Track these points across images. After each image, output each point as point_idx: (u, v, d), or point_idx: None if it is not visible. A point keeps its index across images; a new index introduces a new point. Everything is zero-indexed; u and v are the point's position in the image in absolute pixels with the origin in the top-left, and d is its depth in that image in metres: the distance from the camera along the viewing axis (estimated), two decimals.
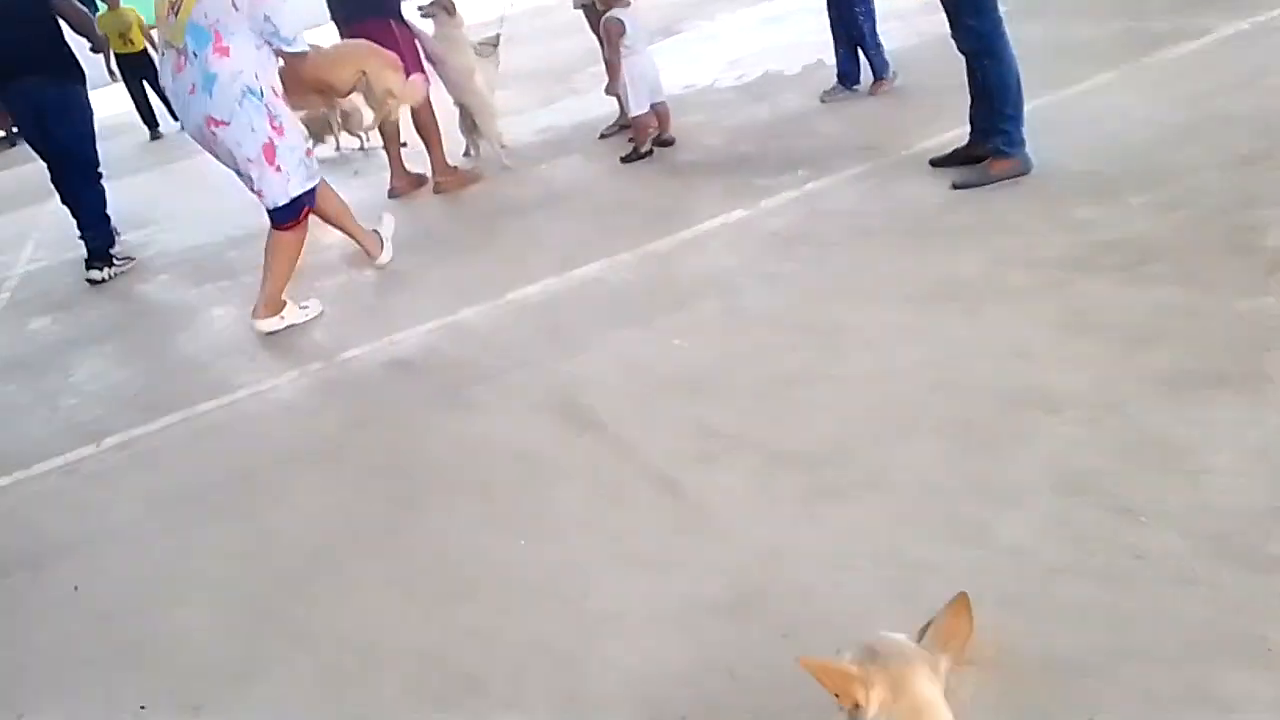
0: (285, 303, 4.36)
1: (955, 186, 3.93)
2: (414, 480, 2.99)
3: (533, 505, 2.72)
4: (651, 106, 5.53)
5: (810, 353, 3.12)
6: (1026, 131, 3.89)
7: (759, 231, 4.17)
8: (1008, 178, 3.83)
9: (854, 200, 4.24)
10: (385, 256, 4.79)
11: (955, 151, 4.14)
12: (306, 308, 4.44)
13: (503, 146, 6.11)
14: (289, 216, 4.18)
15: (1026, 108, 3.90)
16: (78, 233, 5.99)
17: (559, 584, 2.39)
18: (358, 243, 4.75)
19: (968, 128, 4.10)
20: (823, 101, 5.73)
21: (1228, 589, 1.96)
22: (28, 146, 6.19)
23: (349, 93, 4.52)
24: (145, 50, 11.34)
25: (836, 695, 1.32)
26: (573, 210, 5.17)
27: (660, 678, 2.06)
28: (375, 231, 4.80)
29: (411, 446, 3.22)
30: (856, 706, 1.31)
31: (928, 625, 1.39)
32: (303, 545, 2.79)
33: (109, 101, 10.46)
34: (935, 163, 4.21)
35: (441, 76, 5.89)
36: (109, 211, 6.02)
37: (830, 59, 5.86)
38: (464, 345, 3.83)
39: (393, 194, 6.02)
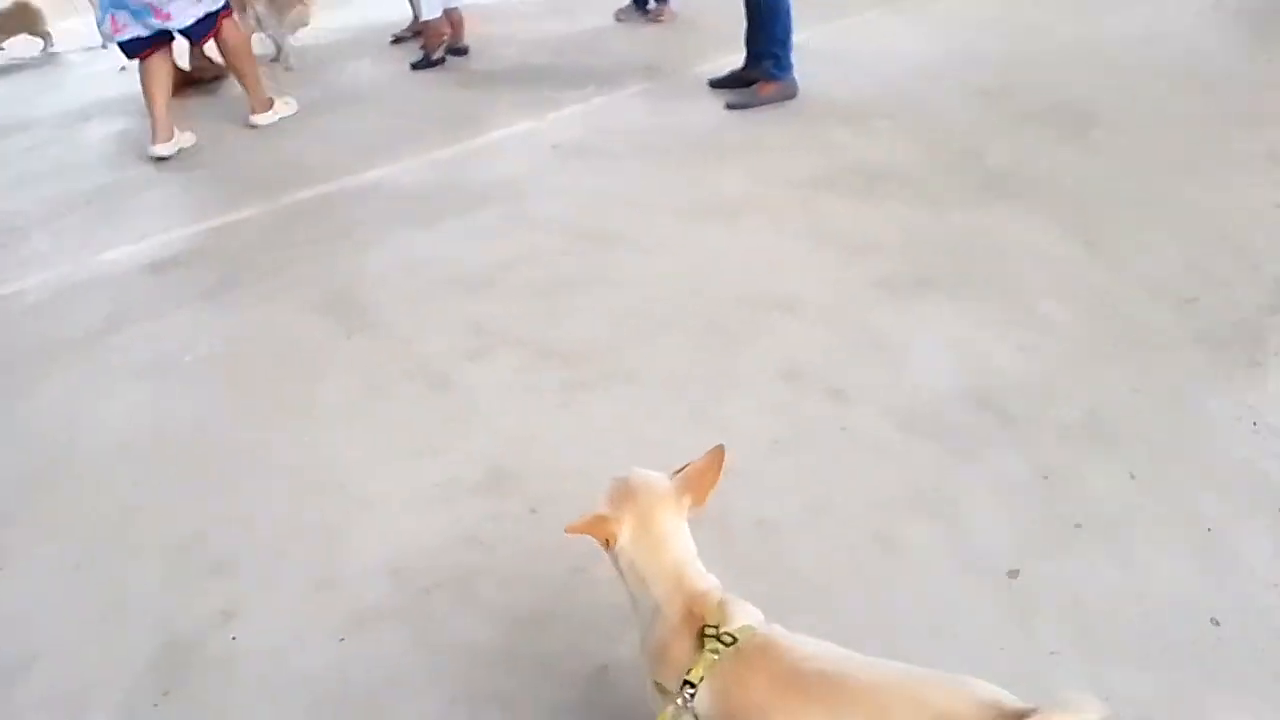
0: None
1: (729, 107, 4.14)
2: (174, 374, 2.93)
3: (300, 398, 2.74)
4: (445, 13, 5.44)
5: (584, 258, 3.27)
6: (796, 58, 4.14)
7: (545, 143, 4.25)
8: (776, 100, 4.08)
9: (637, 117, 4.39)
10: (267, 119, 4.92)
11: (732, 74, 4.35)
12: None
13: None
14: (205, 30, 4.42)
15: (797, 36, 4.14)
16: None
17: (321, 473, 2.44)
18: (248, 91, 4.85)
19: (744, 52, 4.31)
20: (618, 20, 5.82)
21: (914, 455, 2.28)
22: None
23: None
24: None
25: (604, 542, 1.45)
26: (361, 114, 5.05)
27: (415, 553, 2.17)
28: (272, 99, 4.97)
29: (173, 342, 3.12)
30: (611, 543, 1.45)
31: (684, 467, 1.52)
32: (57, 439, 2.70)
33: None
34: (713, 84, 4.41)
35: None
36: None
37: None
38: (238, 244, 3.71)
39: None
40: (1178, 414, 2.30)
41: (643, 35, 5.63)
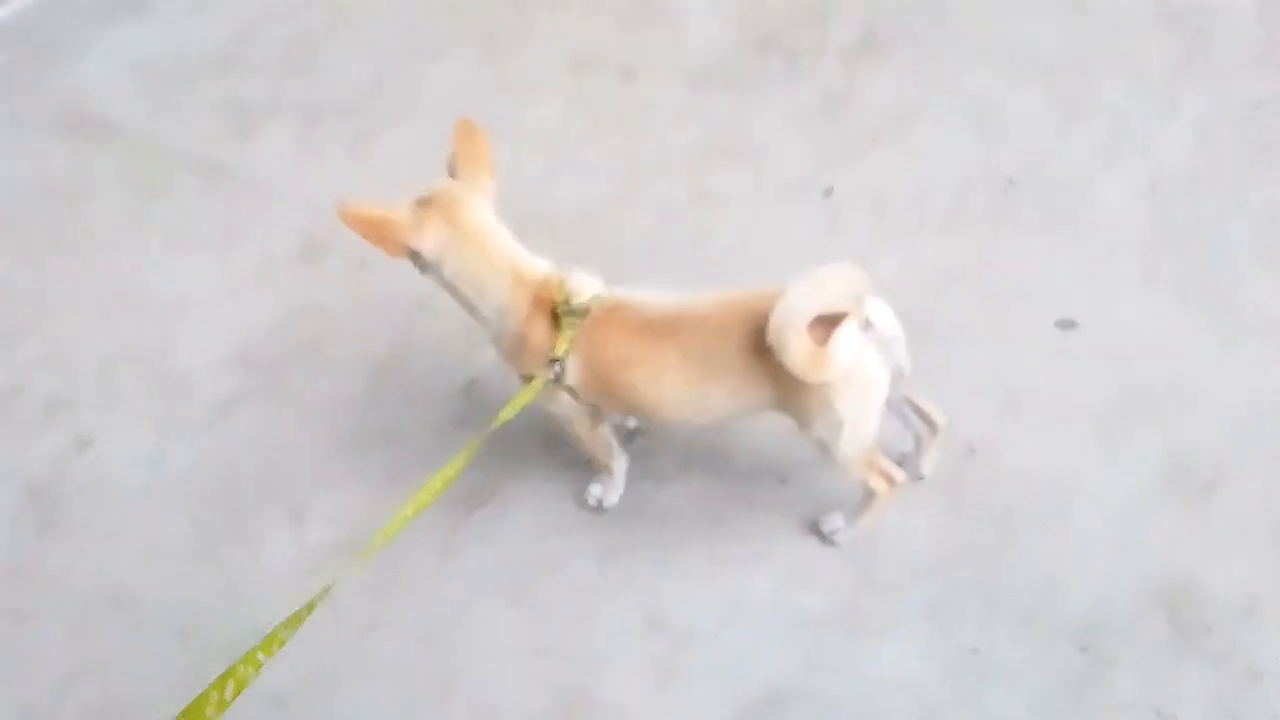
0: None
1: None
2: None
3: (74, 227, 2.49)
4: None
5: (326, 2, 2.99)
6: None
7: None
8: None
9: None
10: None
11: None
12: None
13: None
14: None
15: None
16: None
17: (121, 293, 2.27)
18: None
19: None
20: None
21: (715, 109, 2.31)
22: None
23: None
24: None
25: (383, 247, 1.39)
26: None
27: (255, 336, 2.10)
28: None
29: None
30: (416, 255, 1.41)
31: (450, 160, 1.48)
32: None
33: None
34: None
35: None
36: None
37: None
38: None
39: None
40: (943, 7, 2.39)
41: None
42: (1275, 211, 1.85)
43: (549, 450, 1.78)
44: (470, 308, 1.48)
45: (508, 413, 1.36)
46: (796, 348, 1.24)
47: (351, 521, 1.75)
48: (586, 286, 1.44)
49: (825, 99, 2.27)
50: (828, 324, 1.25)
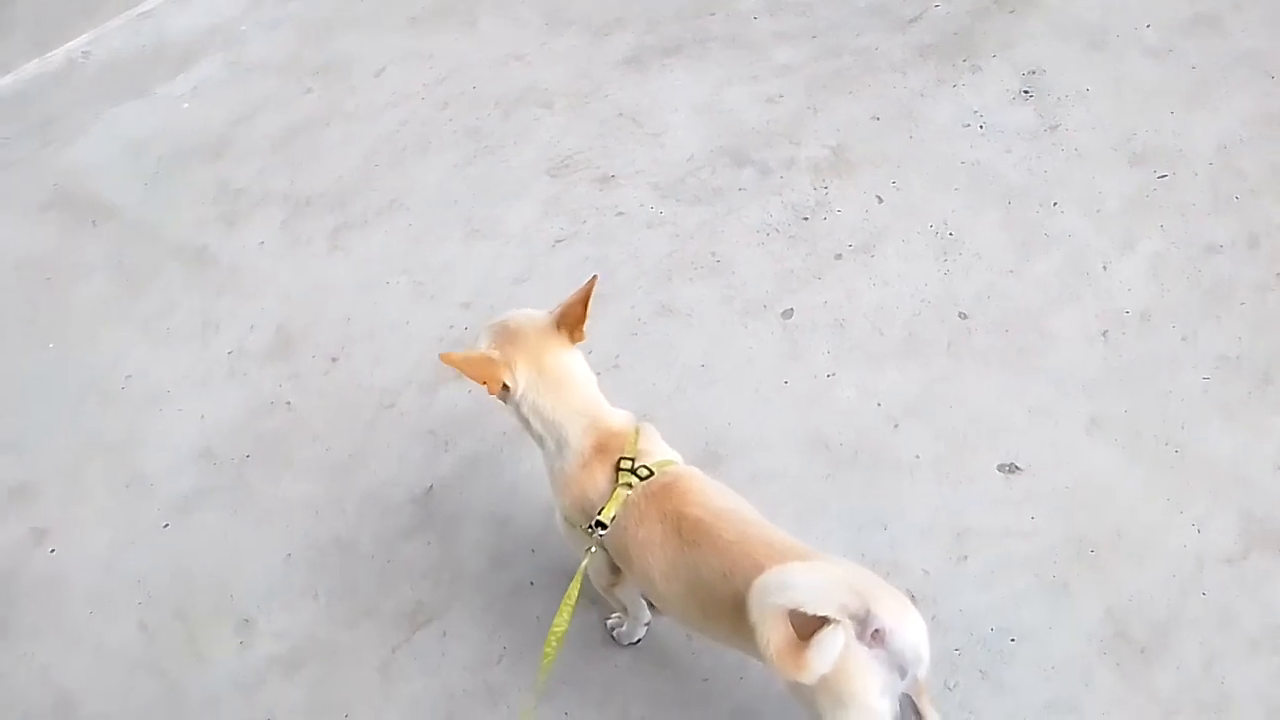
0: None
1: None
2: None
3: (56, 309, 2.54)
4: None
5: (323, 93, 3.07)
6: None
7: None
8: None
9: None
10: None
11: None
12: None
13: None
14: None
15: None
16: None
17: (96, 383, 2.30)
18: None
19: None
20: None
21: (686, 220, 2.36)
22: None
23: None
24: None
25: (484, 383, 1.39)
26: None
27: (221, 431, 2.13)
28: None
29: None
30: (505, 389, 1.40)
31: (566, 305, 1.44)
32: None
33: None
34: None
35: None
36: None
37: None
38: None
39: None
40: (913, 131, 2.46)
41: None
42: (1227, 360, 1.87)
43: (497, 571, 1.79)
44: (537, 439, 1.46)
45: (568, 600, 1.34)
46: (767, 634, 1.10)
47: (298, 637, 1.75)
48: (659, 450, 1.41)
49: (793, 215, 2.31)
50: (820, 619, 1.11)
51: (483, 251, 2.42)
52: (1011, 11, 2.71)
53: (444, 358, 1.36)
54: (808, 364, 2.00)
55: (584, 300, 1.42)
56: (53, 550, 1.95)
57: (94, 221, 2.78)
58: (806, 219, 2.30)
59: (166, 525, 1.95)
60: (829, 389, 1.96)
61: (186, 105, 3.19)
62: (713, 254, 2.28)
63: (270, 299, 2.42)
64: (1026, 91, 2.47)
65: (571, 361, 1.45)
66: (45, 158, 3.09)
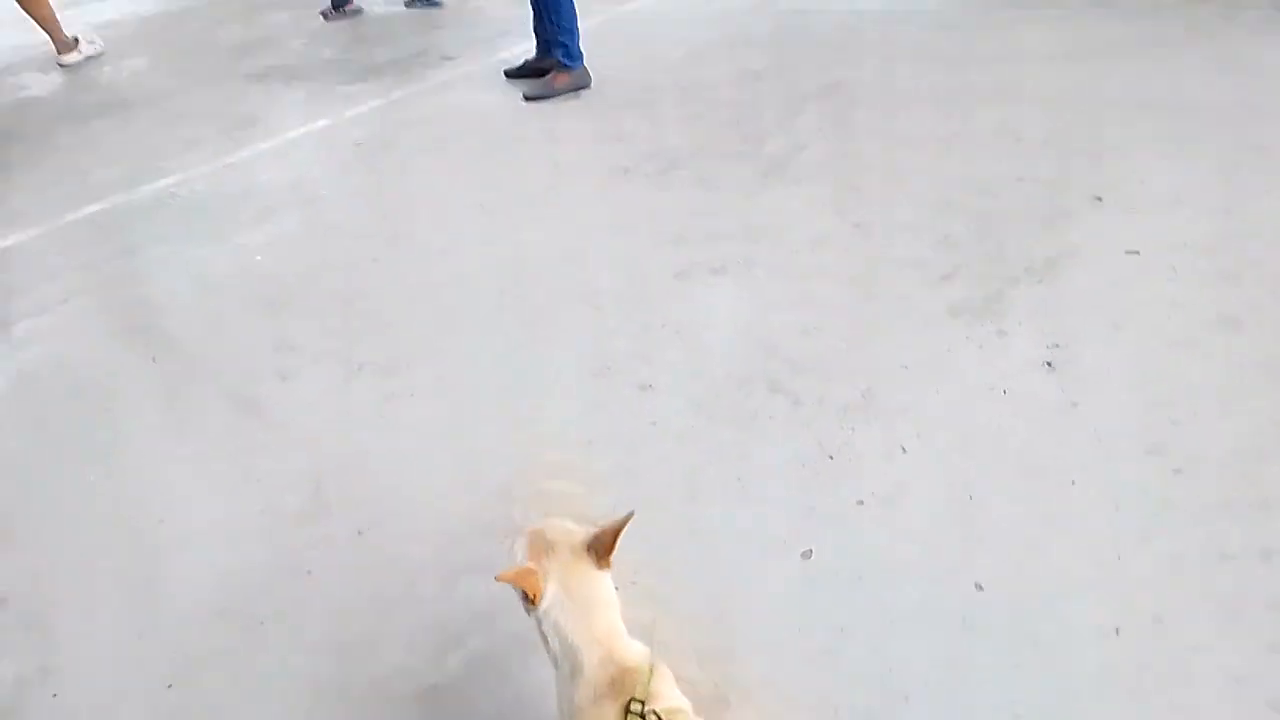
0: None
1: (526, 98, 4.18)
2: None
3: (103, 436, 2.64)
4: None
5: (388, 263, 3.27)
6: (587, 45, 4.22)
7: (342, 141, 4.17)
8: (570, 90, 4.15)
9: (433, 109, 4.36)
10: (73, 58, 5.49)
11: (526, 64, 4.39)
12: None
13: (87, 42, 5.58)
14: None
15: (583, 24, 4.22)
16: None
17: (132, 514, 2.38)
18: (49, 33, 5.41)
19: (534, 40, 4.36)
20: (408, 7, 5.73)
21: (717, 439, 2.45)
22: None
23: None
24: None
25: (531, 597, 1.41)
26: (140, 118, 4.76)
27: (240, 589, 2.17)
28: (76, 37, 5.49)
29: None
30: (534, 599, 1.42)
31: (604, 530, 1.47)
32: None
33: None
34: (510, 74, 4.43)
35: None
36: None
37: None
38: (14, 273, 3.48)
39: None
40: (941, 386, 2.57)
41: (435, 20, 5.55)
42: (1233, 678, 1.89)
43: None
44: (553, 658, 1.47)
45: None
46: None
47: None
48: (670, 695, 1.40)
49: (821, 453, 2.40)
50: None
51: (519, 440, 2.52)
52: (1039, 282, 2.89)
53: (499, 579, 1.40)
54: (821, 614, 2.03)
55: (616, 532, 1.46)
56: (55, 695, 1.96)
57: (154, 358, 2.92)
58: (832, 458, 2.39)
59: (170, 686, 1.96)
60: (841, 648, 1.96)
61: (259, 254, 3.40)
62: (738, 478, 2.36)
63: (310, 460, 2.50)
64: (1049, 364, 2.60)
65: (599, 585, 1.47)
66: (120, 288, 3.28)
